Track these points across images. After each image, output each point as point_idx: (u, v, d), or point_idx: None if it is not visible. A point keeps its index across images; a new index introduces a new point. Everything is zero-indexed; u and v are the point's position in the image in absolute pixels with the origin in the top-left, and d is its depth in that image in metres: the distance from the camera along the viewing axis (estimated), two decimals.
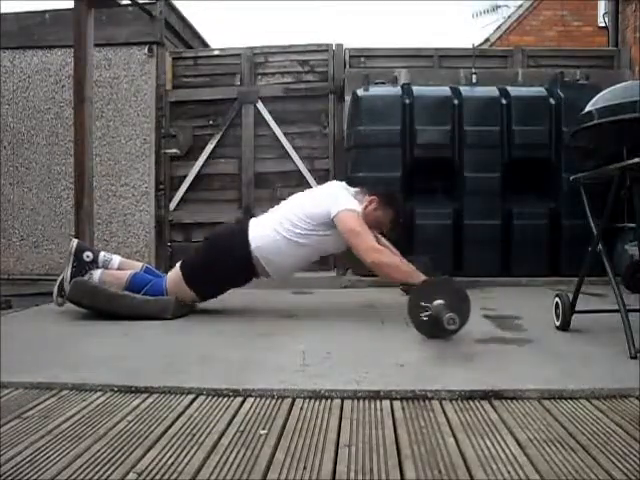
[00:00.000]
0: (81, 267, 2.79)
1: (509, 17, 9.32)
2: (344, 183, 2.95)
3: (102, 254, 2.94)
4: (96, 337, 2.30)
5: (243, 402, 1.48)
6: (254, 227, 2.76)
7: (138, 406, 1.45)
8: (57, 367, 1.78)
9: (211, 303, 2.88)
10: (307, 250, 2.73)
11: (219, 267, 2.71)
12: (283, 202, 2.90)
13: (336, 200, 2.69)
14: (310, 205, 2.74)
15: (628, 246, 3.73)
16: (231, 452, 1.17)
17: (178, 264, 2.82)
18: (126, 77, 5.08)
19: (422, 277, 2.43)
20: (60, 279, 2.85)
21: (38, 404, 1.47)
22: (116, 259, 2.94)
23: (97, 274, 2.78)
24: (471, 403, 1.46)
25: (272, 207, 2.93)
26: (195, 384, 1.58)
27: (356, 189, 2.87)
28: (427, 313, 2.05)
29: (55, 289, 2.84)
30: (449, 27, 20.65)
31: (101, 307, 2.64)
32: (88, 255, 2.86)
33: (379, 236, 2.87)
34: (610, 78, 3.96)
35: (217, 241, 2.86)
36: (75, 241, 2.95)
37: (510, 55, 5.03)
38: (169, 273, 2.83)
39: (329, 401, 1.49)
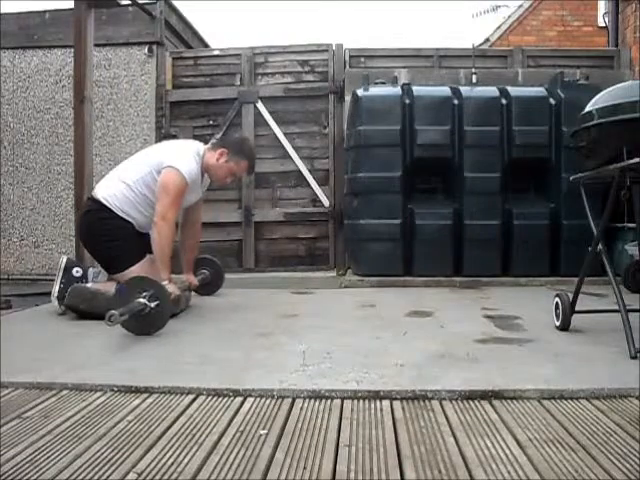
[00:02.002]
0: (70, 283, 2.80)
1: (509, 17, 9.30)
2: (201, 145, 3.01)
3: (91, 269, 2.97)
4: (96, 337, 2.30)
5: (243, 402, 1.48)
6: (98, 190, 2.86)
7: (138, 406, 1.46)
8: (57, 367, 1.78)
9: (210, 303, 2.87)
10: (151, 197, 2.79)
11: (113, 239, 2.77)
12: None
13: (173, 155, 2.79)
14: (155, 154, 2.86)
15: (628, 246, 3.73)
16: (231, 452, 1.17)
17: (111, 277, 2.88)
18: (126, 77, 5.08)
19: (164, 275, 2.61)
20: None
21: (38, 404, 1.47)
22: (104, 273, 2.95)
23: None
24: (471, 403, 1.46)
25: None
26: (195, 384, 1.58)
27: (208, 145, 2.99)
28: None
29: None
30: (449, 27, 20.65)
31: (100, 312, 2.63)
32: (78, 271, 2.90)
33: (196, 220, 3.14)
34: (610, 78, 3.97)
35: (90, 230, 2.87)
36: (64, 257, 2.98)
37: (510, 55, 5.02)
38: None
39: (329, 401, 1.49)
